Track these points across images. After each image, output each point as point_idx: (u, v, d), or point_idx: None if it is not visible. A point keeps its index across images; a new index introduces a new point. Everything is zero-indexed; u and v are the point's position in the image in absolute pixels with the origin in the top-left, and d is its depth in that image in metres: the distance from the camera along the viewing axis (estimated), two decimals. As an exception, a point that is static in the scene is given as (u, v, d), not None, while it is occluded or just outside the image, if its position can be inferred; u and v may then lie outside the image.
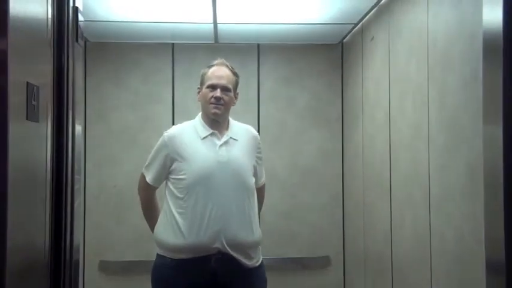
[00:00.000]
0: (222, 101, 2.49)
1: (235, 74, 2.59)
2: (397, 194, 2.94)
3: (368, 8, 3.32)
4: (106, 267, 4.12)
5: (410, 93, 2.71)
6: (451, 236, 2.20)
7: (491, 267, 1.41)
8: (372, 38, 3.42)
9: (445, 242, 2.26)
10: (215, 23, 3.66)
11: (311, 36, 4.07)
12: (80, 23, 1.51)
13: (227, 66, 2.58)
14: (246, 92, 4.16)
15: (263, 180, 2.75)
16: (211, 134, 2.51)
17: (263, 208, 2.89)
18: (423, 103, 2.51)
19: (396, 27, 2.95)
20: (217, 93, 2.49)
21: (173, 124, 3.75)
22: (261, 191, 2.74)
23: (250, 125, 2.73)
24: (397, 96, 2.92)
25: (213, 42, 4.16)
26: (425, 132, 2.49)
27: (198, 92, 2.60)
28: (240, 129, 2.61)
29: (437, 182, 2.36)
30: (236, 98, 2.61)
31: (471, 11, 2.03)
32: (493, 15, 1.45)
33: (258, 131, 4.03)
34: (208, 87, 2.52)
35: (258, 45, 4.28)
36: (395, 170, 2.96)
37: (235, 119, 2.67)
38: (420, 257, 2.55)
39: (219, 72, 2.54)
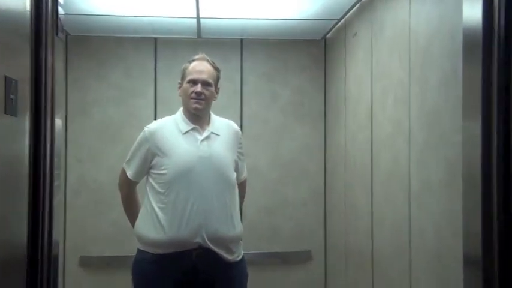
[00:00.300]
0: (203, 96, 2.49)
1: (216, 68, 2.59)
2: (378, 189, 2.96)
3: (351, 4, 3.33)
4: (86, 263, 4.10)
5: (392, 90, 2.73)
6: (430, 230, 2.23)
7: (468, 261, 1.43)
8: (355, 34, 3.43)
9: (424, 237, 2.29)
10: (198, 17, 3.64)
11: (294, 32, 4.07)
12: (60, 16, 1.49)
13: (208, 60, 2.57)
14: (229, 87, 4.16)
15: (244, 175, 2.76)
16: (193, 129, 2.50)
17: (245, 203, 2.89)
18: (404, 99, 2.53)
19: (378, 23, 2.96)
20: (198, 88, 2.49)
21: (155, 119, 3.74)
22: (242, 186, 2.74)
23: (233, 120, 2.73)
24: (379, 92, 2.94)
25: (196, 37, 4.14)
26: (406, 128, 2.51)
27: (179, 87, 2.59)
28: (222, 124, 2.61)
29: (417, 178, 2.38)
30: (217, 92, 2.61)
31: (452, 8, 2.05)
32: (472, 13, 1.47)
33: (241, 126, 4.05)
34: (189, 82, 2.51)
35: (241, 40, 4.27)
36: (376, 165, 2.99)
37: (218, 114, 2.67)
38: (400, 252, 2.57)
39: (199, 67, 2.53)
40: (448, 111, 2.07)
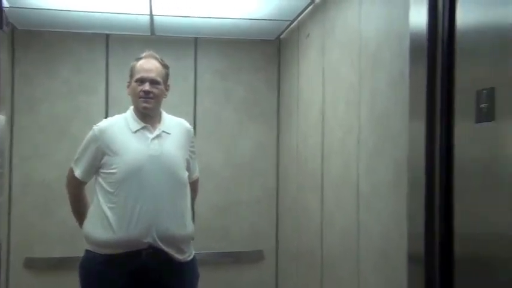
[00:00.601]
0: (151, 95, 2.45)
1: (164, 65, 2.55)
2: (328, 191, 2.99)
3: (304, 6, 3.36)
4: (32, 264, 3.97)
5: (343, 92, 2.76)
6: (378, 232, 2.26)
7: (412, 261, 1.46)
8: (307, 36, 3.46)
9: (372, 238, 2.33)
10: (151, 14, 3.60)
11: (249, 32, 4.08)
12: (4, 9, 1.44)
13: (156, 58, 2.53)
14: (183, 85, 4.14)
15: (196, 174, 2.74)
16: (143, 128, 2.46)
17: (197, 202, 2.87)
18: (355, 102, 2.57)
19: (330, 25, 3.00)
20: (146, 87, 2.45)
21: (106, 116, 3.68)
22: (194, 185, 2.72)
23: (186, 118, 2.70)
24: (330, 94, 2.98)
25: (149, 34, 4.09)
26: (356, 131, 2.54)
27: (128, 86, 2.55)
28: (173, 123, 2.58)
29: (366, 180, 2.42)
30: (167, 89, 2.57)
31: (400, 13, 2.09)
32: (418, 19, 1.51)
33: (194, 125, 4.03)
34: (137, 81, 2.47)
35: (196, 38, 4.24)
36: (327, 167, 3.02)
37: (170, 113, 2.64)
38: (349, 253, 2.61)
39: (147, 65, 2.49)
40: (397, 114, 2.11)
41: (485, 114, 1.22)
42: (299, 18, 3.64)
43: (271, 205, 4.34)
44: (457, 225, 1.29)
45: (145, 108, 2.46)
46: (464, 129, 1.34)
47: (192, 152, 2.65)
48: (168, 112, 2.62)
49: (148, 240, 2.35)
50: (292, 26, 3.85)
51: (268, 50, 4.34)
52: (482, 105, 1.23)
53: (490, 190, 1.20)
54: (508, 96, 1.16)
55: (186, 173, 2.54)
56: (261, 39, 4.29)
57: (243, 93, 4.32)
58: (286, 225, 4.06)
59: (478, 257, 1.23)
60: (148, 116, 2.48)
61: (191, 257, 2.53)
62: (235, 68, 4.31)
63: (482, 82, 1.25)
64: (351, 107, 2.62)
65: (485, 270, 1.20)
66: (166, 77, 2.54)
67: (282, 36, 4.21)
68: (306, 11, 3.44)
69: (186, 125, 2.65)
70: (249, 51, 4.32)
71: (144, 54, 2.54)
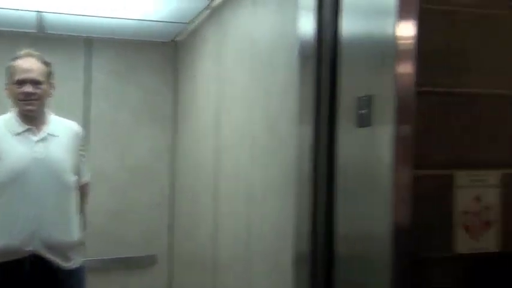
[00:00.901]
0: (35, 96, 2.32)
1: (45, 63, 2.40)
2: (222, 194, 3.00)
3: (201, 9, 3.35)
4: None
5: (238, 96, 2.79)
6: (271, 234, 2.29)
7: (297, 258, 1.51)
8: (204, 39, 3.47)
9: (266, 241, 2.35)
10: (39, 10, 3.42)
11: (145, 33, 4.00)
12: None
13: (35, 56, 2.39)
14: (74, 86, 3.98)
15: (86, 178, 2.63)
16: (27, 130, 2.32)
17: (90, 207, 2.77)
18: (249, 106, 2.60)
19: (226, 30, 3.02)
20: (27, 88, 2.31)
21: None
22: (84, 189, 2.61)
23: (75, 120, 2.59)
24: (226, 98, 2.99)
25: (36, 31, 3.88)
26: (250, 135, 2.57)
27: (6, 88, 2.39)
28: (61, 125, 2.45)
29: (260, 183, 2.45)
30: (52, 88, 2.44)
31: (291, 21, 2.15)
32: (306, 28, 1.56)
33: (87, 127, 3.89)
34: (16, 82, 2.32)
35: (89, 38, 4.09)
36: (221, 171, 3.03)
37: (60, 114, 2.52)
38: (241, 257, 2.62)
39: (26, 64, 2.34)
40: (289, 118, 2.15)
41: (365, 119, 1.29)
42: (196, 21, 3.64)
43: (166, 209, 4.28)
44: (338, 225, 1.35)
45: (28, 111, 2.32)
46: (346, 134, 1.41)
47: (82, 155, 2.54)
48: (57, 113, 2.50)
49: (31, 248, 2.23)
50: (188, 28, 3.84)
51: (166, 52, 4.29)
52: (363, 111, 1.30)
53: (366, 191, 1.27)
54: (382, 103, 1.23)
55: (74, 177, 2.43)
56: (158, 41, 4.23)
57: (139, 94, 4.24)
58: (181, 230, 4.03)
59: (356, 256, 1.29)
60: (32, 117, 2.34)
61: (77, 264, 2.42)
62: (131, 69, 4.22)
63: (362, 90, 1.32)
64: (246, 111, 2.65)
65: (363, 269, 1.27)
66: (48, 75, 2.41)
67: (178, 39, 4.18)
68: (203, 14, 3.44)
69: (75, 127, 2.54)
70: (146, 52, 4.25)
71: (21, 53, 2.38)
